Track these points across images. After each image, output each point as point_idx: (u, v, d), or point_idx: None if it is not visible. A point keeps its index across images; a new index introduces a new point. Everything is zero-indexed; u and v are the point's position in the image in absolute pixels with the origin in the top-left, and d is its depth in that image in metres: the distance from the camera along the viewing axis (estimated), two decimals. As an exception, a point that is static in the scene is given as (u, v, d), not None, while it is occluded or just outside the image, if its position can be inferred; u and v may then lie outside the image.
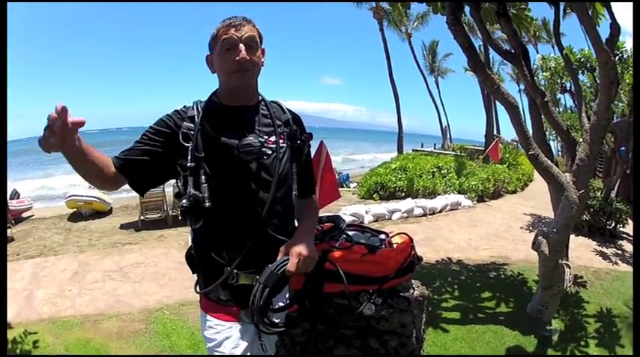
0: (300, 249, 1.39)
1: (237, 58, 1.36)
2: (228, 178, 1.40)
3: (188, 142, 1.38)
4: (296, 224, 1.62)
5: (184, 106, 1.48)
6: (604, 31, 3.23)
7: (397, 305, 1.72)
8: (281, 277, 1.36)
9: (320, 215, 1.83)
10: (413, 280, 1.94)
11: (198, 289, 1.51)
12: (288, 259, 1.38)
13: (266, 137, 1.46)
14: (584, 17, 2.99)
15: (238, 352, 1.45)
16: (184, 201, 1.35)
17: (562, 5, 3.64)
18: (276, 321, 1.46)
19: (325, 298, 1.66)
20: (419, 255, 1.84)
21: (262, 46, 1.46)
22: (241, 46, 1.36)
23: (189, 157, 1.36)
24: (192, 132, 1.39)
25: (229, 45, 1.36)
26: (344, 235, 1.78)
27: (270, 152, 1.44)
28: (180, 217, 1.40)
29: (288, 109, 1.59)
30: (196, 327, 3.66)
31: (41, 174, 24.16)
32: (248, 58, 1.37)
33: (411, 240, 1.84)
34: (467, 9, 3.51)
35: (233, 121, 1.45)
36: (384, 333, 1.72)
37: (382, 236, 1.87)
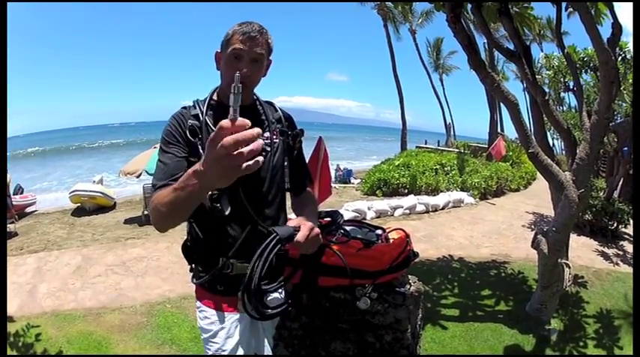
0: (311, 224, 1.38)
1: (239, 74, 1.38)
2: None
3: (195, 137, 1.41)
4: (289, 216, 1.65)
5: (183, 107, 1.52)
6: (607, 30, 3.23)
7: (392, 300, 1.74)
8: (291, 237, 1.32)
9: (319, 210, 1.85)
10: (410, 276, 1.95)
11: (194, 279, 1.55)
12: (298, 229, 1.35)
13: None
14: (586, 16, 2.98)
15: (232, 342, 1.48)
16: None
17: (564, 4, 3.62)
18: (271, 305, 1.46)
19: (322, 292, 1.68)
20: (415, 250, 1.85)
21: (270, 58, 1.49)
22: (247, 60, 1.39)
23: (201, 151, 1.38)
24: (199, 128, 1.43)
25: (237, 56, 1.39)
26: (341, 230, 1.79)
27: (268, 149, 1.51)
28: (209, 205, 1.38)
29: (280, 108, 1.65)
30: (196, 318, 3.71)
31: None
32: (249, 74, 1.40)
33: (407, 235, 1.86)
34: (469, 6, 3.51)
35: None
36: (379, 327, 1.74)
37: (379, 231, 1.89)
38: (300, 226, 1.34)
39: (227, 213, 1.39)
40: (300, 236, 1.32)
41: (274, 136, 1.56)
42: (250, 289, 1.31)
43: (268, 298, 1.43)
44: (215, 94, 1.55)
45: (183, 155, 1.42)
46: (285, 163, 1.58)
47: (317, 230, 1.37)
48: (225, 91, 1.51)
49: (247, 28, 1.39)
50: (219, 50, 1.48)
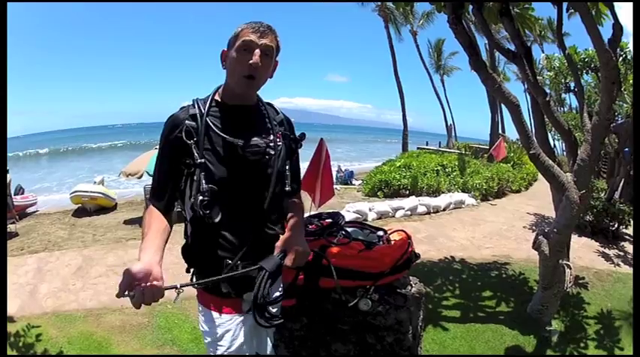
0: (297, 245, 1.46)
1: (251, 61, 1.39)
2: (233, 175, 1.44)
3: (190, 139, 1.40)
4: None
5: (181, 108, 1.51)
6: (608, 31, 3.22)
7: (394, 301, 1.74)
8: (280, 266, 1.43)
9: (320, 212, 1.85)
10: (411, 277, 1.95)
11: (194, 281, 1.53)
12: (285, 254, 1.43)
13: (265, 136, 1.51)
14: (586, 17, 2.98)
15: (237, 343, 1.48)
16: (200, 197, 1.37)
17: (565, 5, 3.62)
18: (273, 310, 1.49)
19: (323, 293, 1.68)
20: (416, 252, 1.85)
21: (276, 58, 1.50)
22: (257, 51, 1.39)
23: (196, 154, 1.39)
24: (195, 129, 1.42)
25: (247, 47, 1.40)
26: (342, 232, 1.80)
27: (273, 152, 1.50)
28: (200, 212, 1.38)
29: (280, 110, 1.65)
30: (198, 321, 3.70)
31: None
32: (260, 64, 1.40)
33: (409, 237, 1.86)
34: (470, 8, 3.51)
35: (236, 120, 1.49)
36: (381, 329, 1.74)
37: (380, 233, 1.90)
38: (287, 251, 1.44)
39: (217, 220, 1.42)
40: (288, 261, 1.43)
41: (278, 140, 1.54)
42: (259, 311, 1.41)
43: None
44: (217, 93, 1.53)
45: (174, 162, 1.44)
46: (287, 167, 1.58)
47: (301, 250, 1.46)
48: (229, 89, 1.50)
49: (257, 24, 1.41)
50: (226, 49, 1.48)
